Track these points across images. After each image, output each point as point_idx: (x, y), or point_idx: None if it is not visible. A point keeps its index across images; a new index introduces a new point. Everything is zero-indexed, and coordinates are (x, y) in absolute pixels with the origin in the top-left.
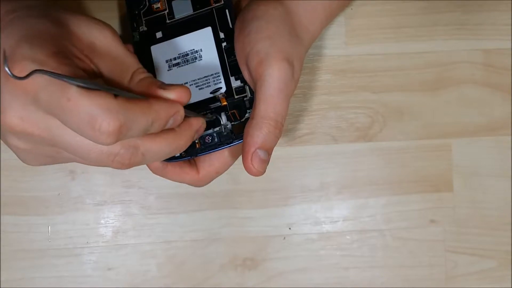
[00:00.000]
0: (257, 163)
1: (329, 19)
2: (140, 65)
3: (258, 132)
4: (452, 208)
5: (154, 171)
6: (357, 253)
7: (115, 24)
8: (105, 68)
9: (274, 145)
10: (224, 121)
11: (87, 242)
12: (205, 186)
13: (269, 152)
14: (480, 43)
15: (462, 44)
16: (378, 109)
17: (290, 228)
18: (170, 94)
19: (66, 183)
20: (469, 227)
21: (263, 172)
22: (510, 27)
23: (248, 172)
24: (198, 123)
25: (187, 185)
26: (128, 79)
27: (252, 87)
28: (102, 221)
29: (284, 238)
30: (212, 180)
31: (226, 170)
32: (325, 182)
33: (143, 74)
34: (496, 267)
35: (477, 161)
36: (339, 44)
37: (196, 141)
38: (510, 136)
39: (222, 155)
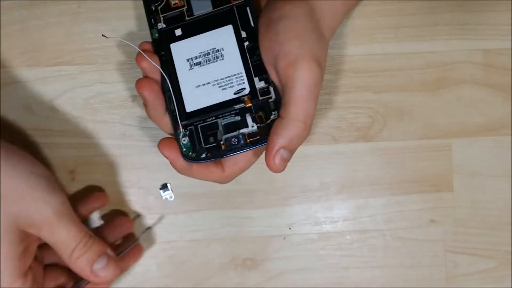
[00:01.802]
0: (279, 162)
1: (346, 15)
2: (80, 239)
3: (286, 132)
4: (452, 208)
5: (181, 171)
6: (357, 253)
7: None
8: (48, 239)
9: (299, 146)
10: (250, 123)
11: None
12: (205, 186)
13: (292, 152)
14: (480, 43)
15: (462, 44)
16: (378, 109)
17: (290, 228)
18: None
19: (66, 183)
20: (469, 227)
21: (283, 170)
22: (510, 27)
23: (269, 168)
24: None
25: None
26: (69, 254)
27: (279, 86)
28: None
29: (284, 238)
30: (236, 177)
31: (249, 168)
32: (325, 182)
33: (79, 252)
34: (496, 267)
35: (477, 161)
36: (340, 44)
37: (222, 143)
38: (510, 136)
39: (246, 153)
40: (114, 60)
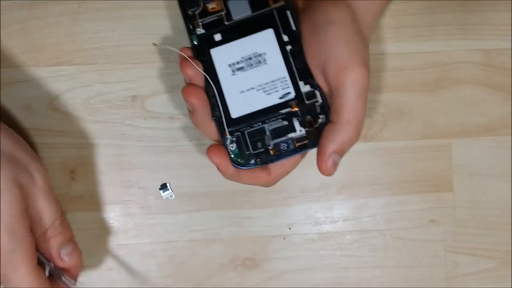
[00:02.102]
0: (331, 166)
1: (382, 13)
2: (55, 218)
3: (338, 137)
4: (452, 208)
5: (229, 177)
6: (357, 253)
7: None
8: (27, 208)
9: (349, 149)
10: (298, 128)
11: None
12: (205, 186)
13: (342, 155)
14: (480, 43)
15: (462, 44)
16: (378, 109)
17: (290, 228)
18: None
19: (66, 183)
20: (469, 227)
21: (334, 173)
22: (510, 27)
23: (321, 172)
24: None
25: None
26: (42, 231)
27: (326, 91)
28: (102, 221)
29: (284, 238)
30: (280, 179)
31: (293, 169)
32: (325, 182)
33: (53, 232)
34: (496, 267)
35: (477, 161)
36: None
37: (271, 148)
38: (510, 136)
39: (293, 157)
40: (114, 60)
